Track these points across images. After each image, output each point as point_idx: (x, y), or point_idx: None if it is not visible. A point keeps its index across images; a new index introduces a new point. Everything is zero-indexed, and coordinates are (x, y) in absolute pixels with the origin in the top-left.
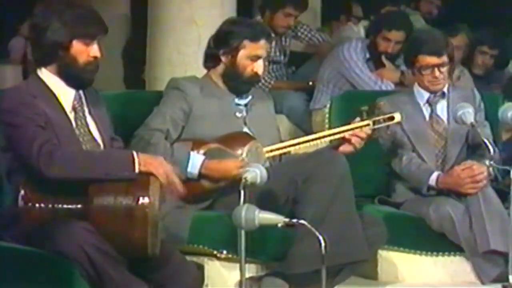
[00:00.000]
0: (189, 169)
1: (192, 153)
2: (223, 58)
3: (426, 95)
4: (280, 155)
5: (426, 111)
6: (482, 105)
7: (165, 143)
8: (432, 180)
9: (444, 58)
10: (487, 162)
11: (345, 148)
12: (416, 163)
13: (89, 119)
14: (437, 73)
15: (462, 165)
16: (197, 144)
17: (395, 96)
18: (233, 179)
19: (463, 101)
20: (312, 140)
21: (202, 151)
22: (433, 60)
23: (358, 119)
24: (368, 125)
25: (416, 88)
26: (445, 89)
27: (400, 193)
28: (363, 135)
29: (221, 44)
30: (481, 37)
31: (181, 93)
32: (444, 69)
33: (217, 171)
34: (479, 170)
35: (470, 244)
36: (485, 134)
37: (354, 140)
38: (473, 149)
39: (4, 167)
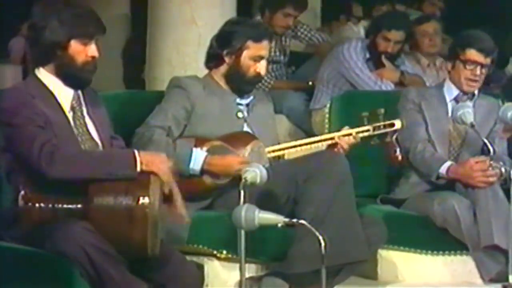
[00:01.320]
0: (191, 165)
1: (194, 149)
2: (226, 59)
3: (455, 92)
4: (279, 157)
5: (451, 108)
6: None
7: (167, 139)
8: (444, 168)
9: (489, 60)
10: (501, 163)
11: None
12: (431, 151)
13: (88, 119)
14: (478, 71)
15: (476, 157)
16: (200, 141)
17: (424, 88)
18: (235, 174)
19: (487, 109)
20: (311, 143)
21: (205, 148)
22: (480, 58)
23: (347, 127)
24: (368, 130)
25: (447, 84)
26: (475, 92)
27: (404, 188)
28: (349, 143)
29: (224, 44)
30: None
31: (184, 91)
32: (484, 71)
33: (219, 167)
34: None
35: (473, 239)
36: (502, 147)
37: (339, 146)
38: (487, 154)
39: (4, 167)
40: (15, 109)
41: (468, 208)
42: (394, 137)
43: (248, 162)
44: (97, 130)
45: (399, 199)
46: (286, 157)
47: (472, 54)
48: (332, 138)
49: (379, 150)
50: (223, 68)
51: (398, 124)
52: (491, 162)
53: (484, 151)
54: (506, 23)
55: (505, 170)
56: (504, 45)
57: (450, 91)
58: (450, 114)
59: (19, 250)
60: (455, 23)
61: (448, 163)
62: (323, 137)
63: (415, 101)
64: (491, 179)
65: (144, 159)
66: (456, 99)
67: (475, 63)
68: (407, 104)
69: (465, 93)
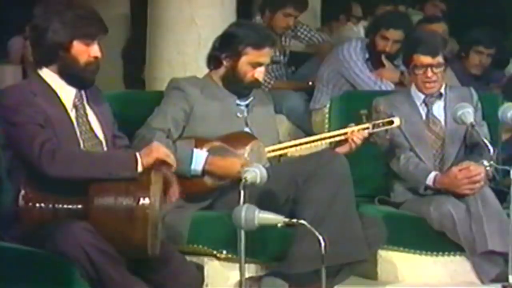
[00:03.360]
0: (192, 166)
1: (195, 150)
2: (224, 62)
3: (423, 95)
4: (280, 156)
5: (423, 111)
6: (479, 104)
7: (167, 141)
8: (430, 180)
9: (439, 59)
10: (485, 162)
11: (340, 149)
12: (414, 162)
13: (91, 117)
14: (429, 73)
15: (459, 165)
16: (199, 142)
17: (392, 96)
18: (236, 176)
19: (460, 100)
20: (312, 141)
21: (205, 149)
22: (427, 59)
23: (353, 124)
24: (367, 128)
25: (413, 88)
26: (442, 89)
27: (399, 193)
28: (361, 137)
29: (225, 47)
30: (476, 36)
31: (182, 93)
32: (438, 70)
33: (220, 168)
34: (476, 171)
35: (470, 243)
36: (483, 133)
37: (351, 141)
38: (471, 149)
39: (4, 166)
40: (16, 107)
41: (464, 212)
42: None
43: (249, 165)
44: (102, 128)
45: (395, 202)
46: (289, 155)
47: (419, 58)
48: (344, 134)
49: (379, 150)
50: (221, 71)
51: (396, 121)
52: (490, 163)
53: (467, 145)
54: (507, 23)
55: (490, 169)
56: (504, 45)
57: (417, 95)
58: (424, 117)
59: (19, 250)
60: (456, 24)
61: (433, 173)
62: (317, 137)
63: (386, 111)
64: (477, 185)
65: (143, 156)
66: (425, 102)
67: (423, 66)
68: (379, 116)
69: (428, 94)
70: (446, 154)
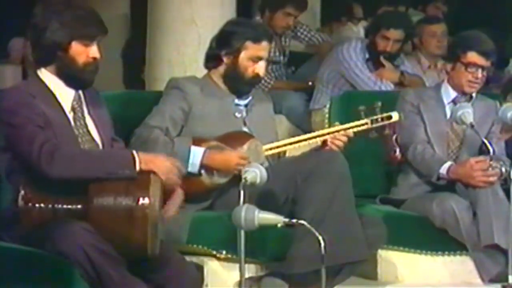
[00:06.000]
0: (190, 162)
1: (192, 146)
2: (224, 59)
3: (453, 94)
4: (279, 155)
5: (449, 110)
6: None
7: (165, 138)
8: (444, 168)
9: (489, 63)
10: (501, 163)
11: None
12: (431, 152)
13: (88, 120)
14: (479, 74)
15: (476, 157)
16: (196, 141)
17: (422, 89)
18: (234, 170)
19: (486, 110)
20: (310, 138)
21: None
22: (481, 60)
23: (337, 123)
24: (366, 124)
25: (444, 86)
26: (473, 94)
27: (402, 189)
28: (344, 140)
29: (223, 44)
30: None
31: (181, 92)
32: (485, 73)
33: (218, 161)
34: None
35: (473, 240)
36: (500, 148)
37: (331, 144)
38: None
39: (4, 167)
40: (15, 109)
41: (467, 209)
42: (394, 137)
43: (247, 158)
44: (98, 131)
45: (398, 200)
46: (287, 154)
47: (474, 56)
48: (324, 135)
49: (379, 149)
50: (221, 69)
51: (395, 116)
52: (491, 162)
53: (483, 152)
54: (506, 24)
55: (505, 169)
56: (504, 46)
57: (448, 93)
58: (448, 116)
59: (19, 250)
60: (456, 24)
61: (448, 163)
62: (315, 133)
63: (413, 102)
64: (491, 178)
65: (143, 159)
66: (454, 101)
67: (476, 65)
68: (405, 105)
69: (464, 94)
70: (460, 157)
